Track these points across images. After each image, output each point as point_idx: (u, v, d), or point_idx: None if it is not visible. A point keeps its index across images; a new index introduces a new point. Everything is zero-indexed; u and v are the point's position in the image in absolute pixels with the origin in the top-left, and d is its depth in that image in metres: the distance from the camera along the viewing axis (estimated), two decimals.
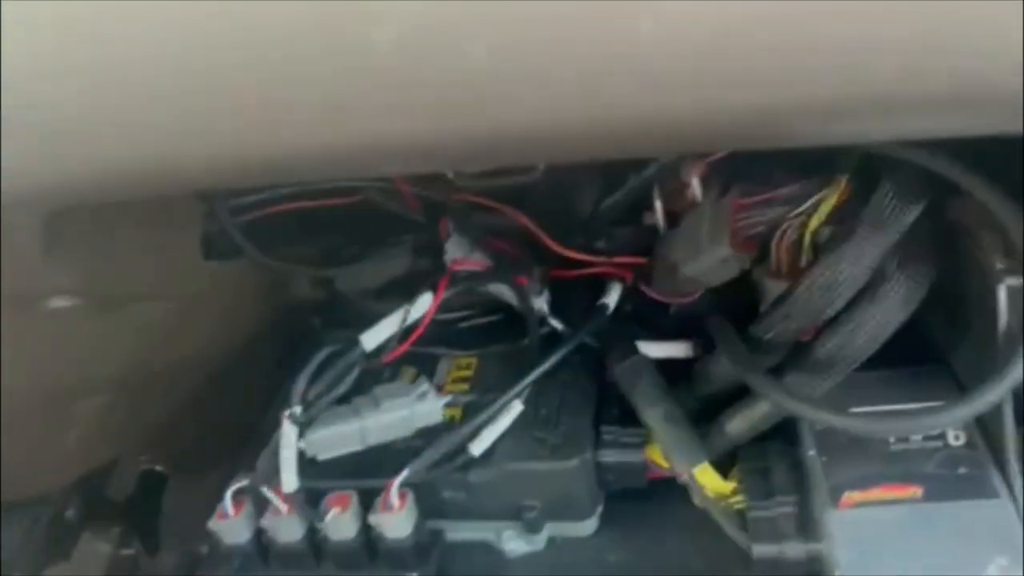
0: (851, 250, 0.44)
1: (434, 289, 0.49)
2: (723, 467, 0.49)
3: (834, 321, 0.46)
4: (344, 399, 0.50)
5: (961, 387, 0.47)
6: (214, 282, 0.64)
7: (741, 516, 0.46)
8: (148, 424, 0.62)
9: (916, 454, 0.43)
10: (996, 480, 0.41)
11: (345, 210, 0.65)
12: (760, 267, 0.55)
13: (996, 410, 0.41)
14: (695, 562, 0.49)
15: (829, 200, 0.49)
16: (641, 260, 0.62)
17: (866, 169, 0.47)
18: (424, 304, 0.48)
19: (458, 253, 0.57)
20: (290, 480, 0.46)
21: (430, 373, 0.57)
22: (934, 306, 0.48)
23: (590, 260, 0.60)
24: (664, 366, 0.55)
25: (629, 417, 0.51)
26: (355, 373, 0.46)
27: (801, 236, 0.51)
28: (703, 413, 0.52)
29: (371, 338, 0.46)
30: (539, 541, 0.51)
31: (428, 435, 0.50)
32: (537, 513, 0.50)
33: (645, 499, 0.52)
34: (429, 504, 0.51)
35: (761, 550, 0.44)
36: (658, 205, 0.61)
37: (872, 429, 0.43)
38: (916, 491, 0.42)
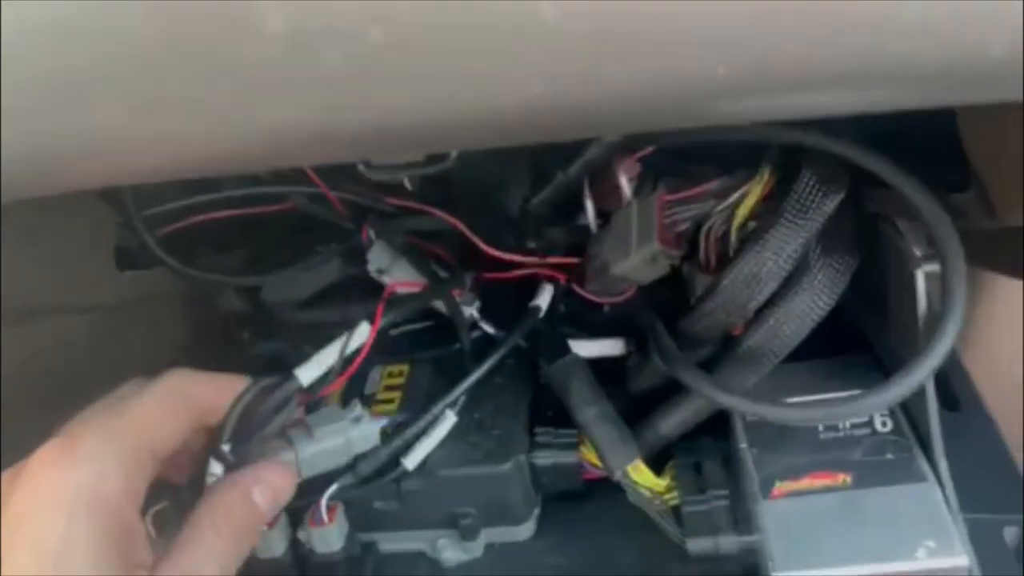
0: (772, 241, 0.44)
1: (371, 319, 0.47)
2: (658, 464, 0.49)
3: (761, 313, 0.46)
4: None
5: (887, 374, 0.48)
6: (136, 293, 0.61)
7: (676, 512, 0.45)
8: None
9: (845, 442, 0.44)
10: (922, 464, 0.42)
11: (272, 218, 0.63)
12: (690, 263, 0.55)
13: (919, 394, 0.42)
14: (633, 561, 0.48)
15: (753, 193, 0.50)
16: (574, 260, 0.62)
17: (788, 161, 0.47)
18: (363, 334, 0.47)
19: (382, 261, 0.55)
20: None
21: (361, 382, 0.56)
22: (859, 294, 0.48)
23: (521, 261, 0.60)
24: (600, 365, 0.55)
25: (564, 418, 0.51)
26: (291, 408, 0.44)
27: (728, 230, 0.52)
28: (638, 411, 0.52)
29: (307, 373, 0.44)
30: (476, 548, 0.50)
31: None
32: (472, 520, 0.49)
33: (583, 500, 0.52)
34: (362, 516, 0.50)
35: (696, 545, 0.43)
36: (589, 204, 0.61)
37: (798, 417, 0.43)
38: (845, 478, 0.42)
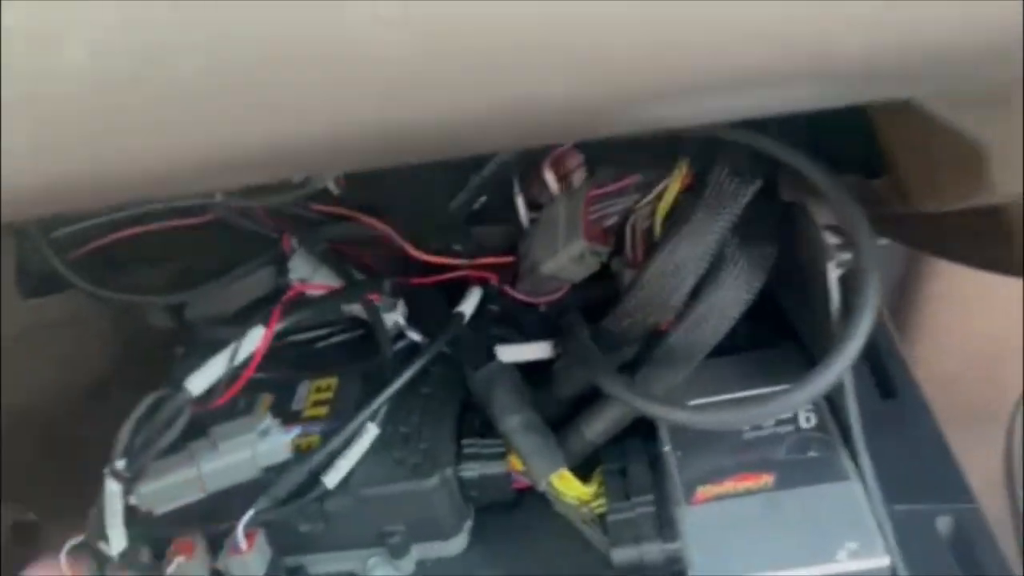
0: (689, 234, 0.43)
1: (266, 322, 0.45)
2: (587, 469, 0.47)
3: (682, 310, 0.45)
4: (179, 445, 0.46)
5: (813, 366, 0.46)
6: (56, 317, 0.60)
7: (603, 520, 0.44)
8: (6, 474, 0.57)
9: (768, 440, 0.43)
10: (845, 461, 0.41)
11: (200, 230, 0.61)
12: (619, 258, 0.54)
13: (840, 389, 0.41)
14: (567, 570, 0.47)
15: (672, 186, 0.48)
16: (507, 260, 0.60)
17: (708, 153, 0.46)
18: (255, 338, 0.45)
19: (303, 271, 0.54)
20: (118, 540, 0.43)
21: (289, 398, 0.54)
22: (785, 285, 0.47)
23: (450, 264, 0.58)
24: (534, 368, 0.53)
25: (493, 427, 0.49)
26: (183, 420, 0.43)
27: (652, 224, 0.50)
28: (566, 415, 0.50)
29: (198, 381, 0.43)
30: (406, 566, 0.49)
31: (280, 470, 0.47)
32: (401, 537, 0.48)
33: (516, 510, 0.50)
34: (287, 540, 0.48)
35: (621, 554, 0.42)
36: (519, 201, 0.59)
37: (709, 422, 0.41)
38: (768, 479, 0.40)
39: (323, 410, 0.53)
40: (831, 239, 0.45)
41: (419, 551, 0.49)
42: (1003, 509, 0.66)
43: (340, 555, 0.50)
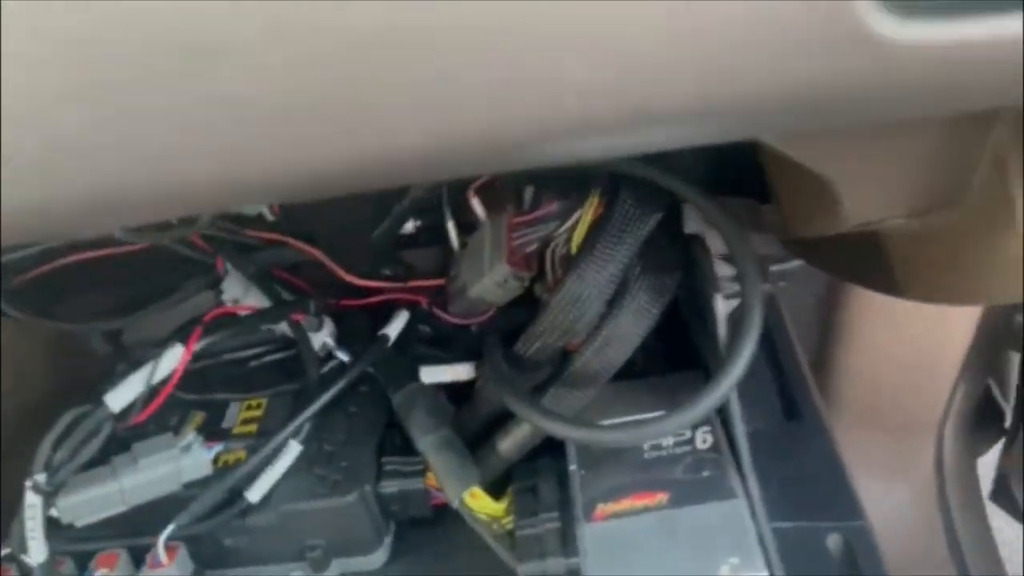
0: (592, 262, 0.45)
1: (184, 341, 0.47)
2: (503, 486, 0.49)
3: (588, 334, 0.47)
4: (103, 459, 0.47)
5: None
6: None
7: (513, 536, 0.46)
8: None
9: (667, 460, 0.45)
10: (734, 481, 0.43)
11: (136, 257, 0.63)
12: (540, 283, 0.57)
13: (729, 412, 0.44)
14: None
15: (585, 216, 0.51)
16: (436, 283, 0.62)
17: (614, 185, 0.49)
18: (175, 356, 0.47)
19: (235, 291, 0.55)
20: (38, 551, 0.44)
21: (220, 417, 0.56)
22: (691, 313, 0.50)
23: (381, 287, 0.60)
24: (461, 389, 0.55)
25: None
26: (103, 436, 0.44)
27: (568, 251, 0.53)
28: (486, 433, 0.52)
29: (117, 398, 0.44)
30: None
31: (203, 485, 0.48)
32: (322, 552, 0.50)
33: (436, 525, 0.52)
34: (210, 554, 0.50)
35: (526, 568, 0.44)
36: (450, 226, 0.62)
37: (604, 439, 0.44)
38: (663, 497, 0.43)
39: (252, 427, 0.55)
40: (722, 270, 0.48)
41: (340, 565, 0.51)
42: (935, 516, 0.69)
43: (262, 570, 0.51)
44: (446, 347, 0.61)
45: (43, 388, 0.67)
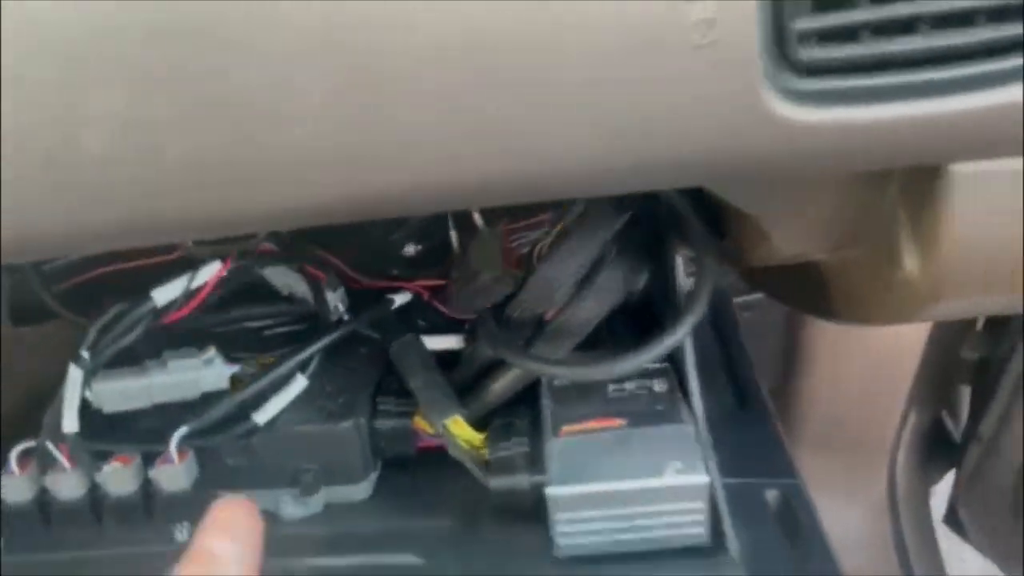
0: (567, 248, 0.54)
1: (223, 258, 0.55)
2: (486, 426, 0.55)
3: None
4: (136, 360, 0.54)
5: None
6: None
7: (488, 463, 0.52)
8: None
9: (627, 398, 0.52)
10: (684, 412, 0.49)
11: (167, 267, 0.70)
12: None
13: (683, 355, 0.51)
14: (453, 516, 0.54)
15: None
16: (440, 283, 0.70)
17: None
18: (213, 268, 0.54)
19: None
20: (71, 421, 0.50)
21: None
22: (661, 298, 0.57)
23: (391, 286, 0.68)
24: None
25: (407, 395, 0.58)
26: (143, 325, 0.51)
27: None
28: (469, 391, 0.59)
29: (162, 294, 0.51)
30: (315, 504, 0.55)
31: (214, 400, 0.54)
32: (313, 476, 0.55)
33: (418, 474, 0.58)
34: (213, 471, 0.55)
35: (496, 483, 0.50)
36: (453, 235, 0.70)
37: (574, 373, 0.51)
38: (621, 422, 0.49)
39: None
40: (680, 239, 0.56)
41: (327, 494, 0.56)
42: (887, 536, 0.74)
43: (255, 493, 0.56)
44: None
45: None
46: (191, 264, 0.66)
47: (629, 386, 0.52)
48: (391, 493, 0.57)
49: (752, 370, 0.64)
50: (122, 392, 0.52)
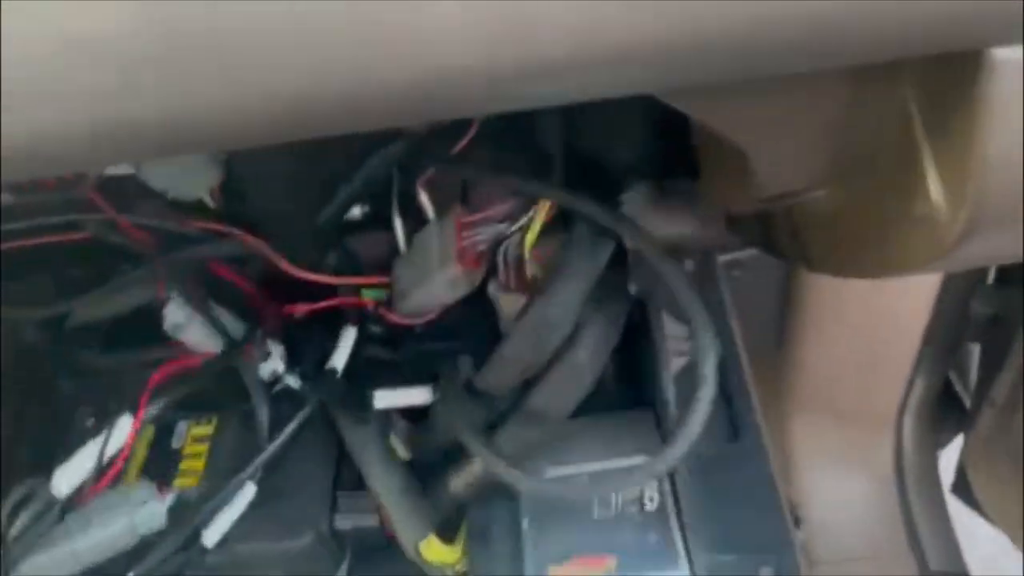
0: (555, 289, 0.46)
1: (133, 411, 0.46)
2: (453, 523, 0.51)
3: (545, 371, 0.47)
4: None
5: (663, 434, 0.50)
6: None
7: None
8: None
9: (615, 521, 0.47)
10: (679, 551, 0.45)
11: (73, 248, 0.60)
12: (495, 282, 0.56)
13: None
14: None
15: (537, 219, 0.50)
16: (381, 281, 0.61)
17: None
18: (124, 429, 0.46)
19: (178, 317, 0.53)
20: None
21: (168, 435, 0.56)
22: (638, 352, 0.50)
23: (327, 282, 0.59)
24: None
25: None
26: (52, 517, 0.44)
27: (522, 252, 0.52)
28: (442, 459, 0.53)
29: (65, 480, 0.43)
30: None
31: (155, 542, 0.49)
32: None
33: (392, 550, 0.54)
34: None
35: None
36: (397, 223, 0.60)
37: (555, 494, 0.45)
38: (611, 564, 0.45)
39: (202, 448, 0.55)
40: (671, 329, 0.48)
41: None
42: (894, 508, 0.72)
43: None
44: (395, 348, 0.61)
45: None
46: (99, 250, 0.58)
47: (616, 499, 0.47)
48: None
49: (748, 384, 0.58)
50: (44, 567, 0.46)
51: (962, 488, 0.70)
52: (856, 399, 0.71)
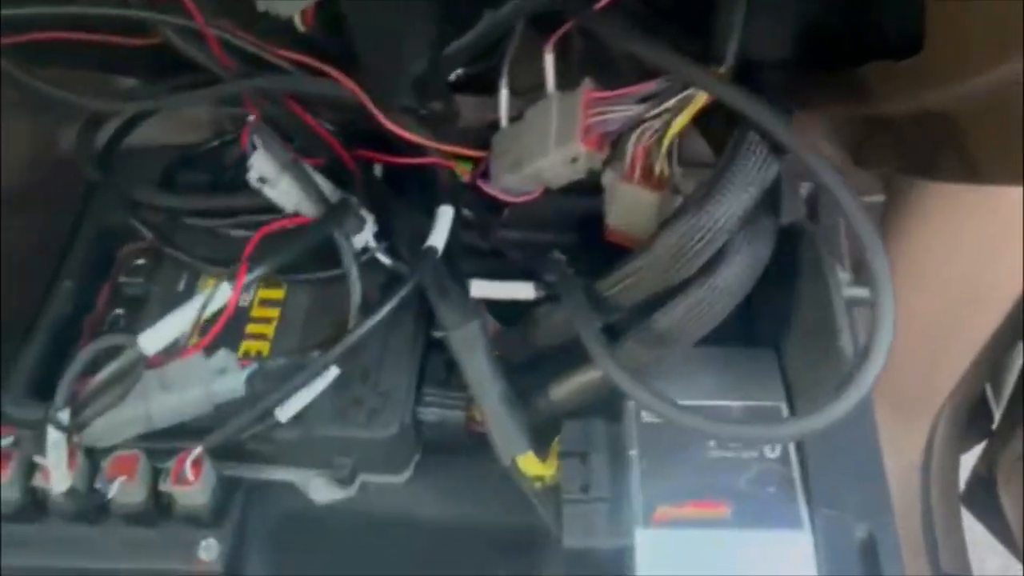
0: (718, 201, 0.40)
1: (232, 279, 0.40)
2: (545, 434, 0.47)
3: (681, 290, 0.42)
4: None
5: (786, 379, 0.47)
6: None
7: (558, 500, 0.45)
8: None
9: (732, 465, 0.43)
10: (801, 507, 0.42)
11: (135, 51, 0.52)
12: (612, 169, 0.51)
13: None
14: (502, 514, 0.49)
15: (694, 104, 0.45)
16: (480, 154, 0.55)
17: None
18: (223, 297, 0.40)
19: (266, 169, 0.47)
20: (61, 482, 0.40)
21: None
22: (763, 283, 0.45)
23: (421, 143, 0.53)
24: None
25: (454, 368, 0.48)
26: (134, 378, 0.39)
27: (660, 139, 0.48)
28: (536, 362, 0.49)
29: (152, 341, 0.38)
30: (350, 490, 0.49)
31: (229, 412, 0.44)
32: (349, 469, 0.48)
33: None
34: (230, 452, 0.47)
35: (571, 542, 0.44)
36: (504, 90, 0.54)
37: (704, 430, 0.41)
38: (725, 511, 0.42)
39: (271, 317, 0.50)
40: (841, 273, 0.43)
41: (364, 477, 0.49)
42: (916, 501, 0.70)
43: (282, 470, 0.49)
44: (485, 234, 0.56)
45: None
46: (170, 56, 0.52)
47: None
48: (435, 475, 0.50)
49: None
50: (116, 428, 0.41)
51: (973, 499, 0.69)
52: (905, 383, 0.67)
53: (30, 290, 0.53)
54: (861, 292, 0.44)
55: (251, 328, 0.50)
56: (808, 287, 0.45)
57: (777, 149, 0.41)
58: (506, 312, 0.51)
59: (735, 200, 0.40)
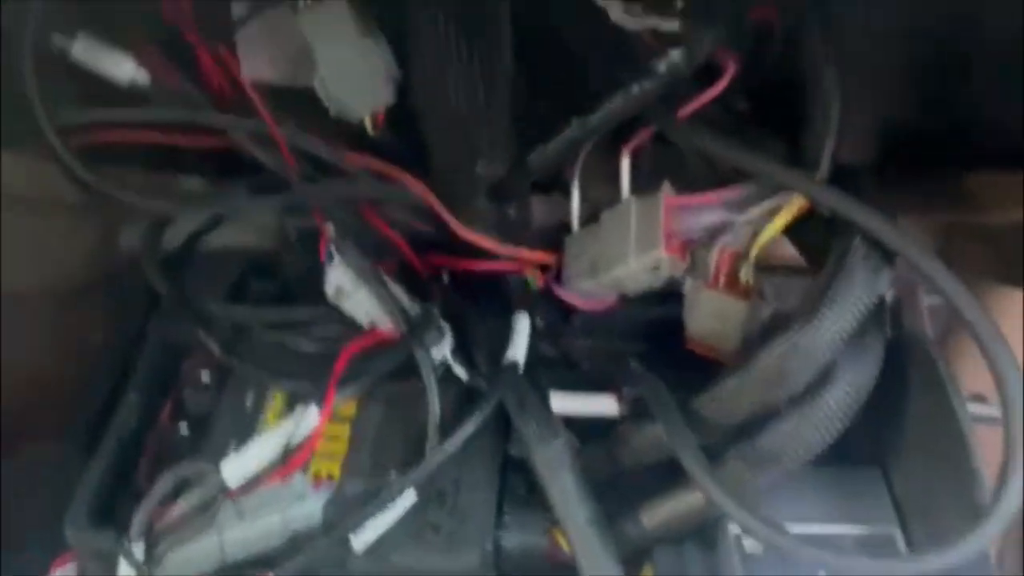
0: (823, 321, 0.38)
1: (320, 402, 0.38)
2: (633, 560, 0.44)
3: (786, 408, 0.40)
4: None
5: (896, 503, 0.44)
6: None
7: None
8: None
9: None
10: None
11: (201, 153, 0.52)
12: (693, 277, 0.49)
13: None
14: None
15: (790, 208, 0.43)
16: (549, 258, 0.54)
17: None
18: (311, 420, 0.38)
19: (343, 281, 0.46)
20: None
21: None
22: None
23: (495, 250, 0.51)
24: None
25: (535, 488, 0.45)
26: (214, 510, 0.37)
27: (748, 247, 0.45)
28: (618, 480, 0.46)
29: (235, 470, 0.36)
30: None
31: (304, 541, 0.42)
32: None
33: None
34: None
35: None
36: (575, 196, 0.52)
37: (822, 561, 0.38)
38: None
39: (341, 434, 0.47)
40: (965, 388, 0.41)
41: None
42: None
43: None
44: (556, 342, 0.54)
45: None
46: (237, 157, 0.51)
47: None
48: None
49: None
50: (188, 561, 0.39)
51: None
52: None
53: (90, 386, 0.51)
54: (981, 409, 0.41)
55: (321, 447, 0.47)
56: (925, 402, 0.42)
57: (887, 257, 0.39)
58: (574, 425, 0.48)
59: (843, 316, 0.38)
